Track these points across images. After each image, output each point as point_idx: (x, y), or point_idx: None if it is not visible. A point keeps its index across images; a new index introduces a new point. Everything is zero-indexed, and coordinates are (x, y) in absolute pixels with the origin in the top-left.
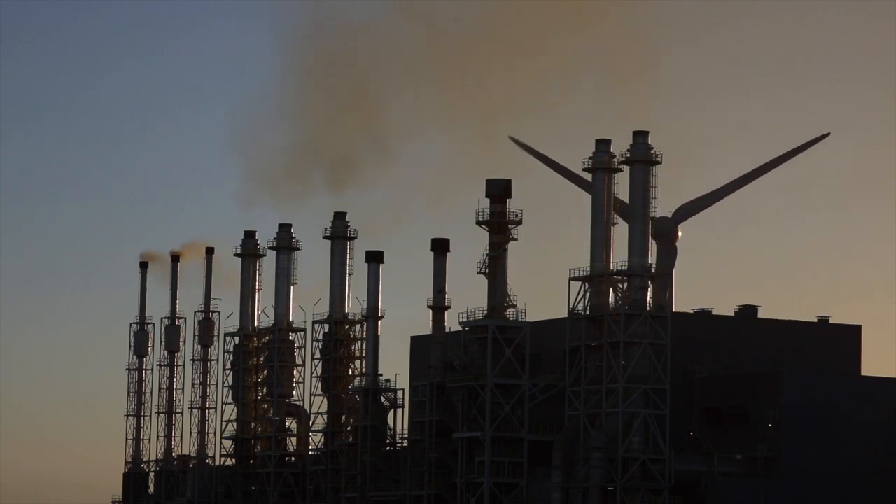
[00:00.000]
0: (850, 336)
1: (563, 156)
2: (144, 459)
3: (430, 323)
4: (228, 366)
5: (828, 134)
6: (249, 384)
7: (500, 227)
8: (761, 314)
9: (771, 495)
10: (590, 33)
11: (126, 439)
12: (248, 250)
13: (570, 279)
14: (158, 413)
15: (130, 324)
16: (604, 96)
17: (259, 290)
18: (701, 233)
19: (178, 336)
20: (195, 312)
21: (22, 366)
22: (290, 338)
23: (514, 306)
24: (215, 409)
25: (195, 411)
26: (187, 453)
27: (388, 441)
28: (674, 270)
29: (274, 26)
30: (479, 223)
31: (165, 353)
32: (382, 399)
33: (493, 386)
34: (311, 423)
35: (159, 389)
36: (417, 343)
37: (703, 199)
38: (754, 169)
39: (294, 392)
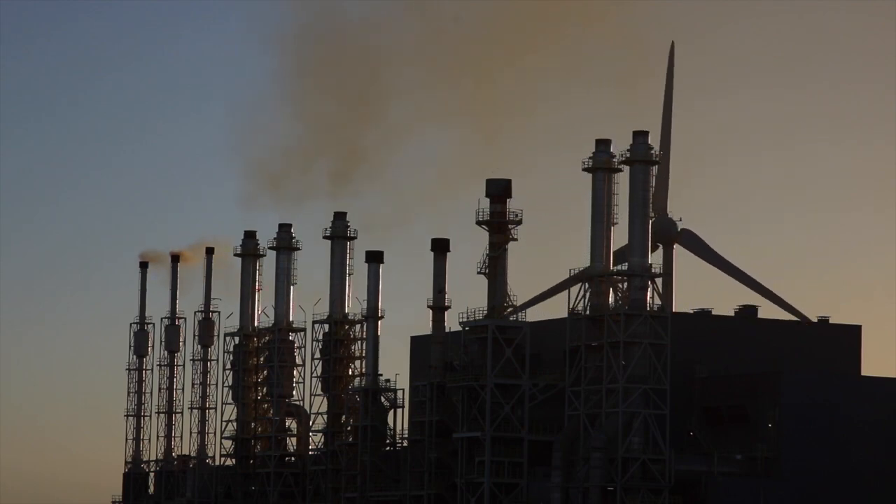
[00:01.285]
0: (850, 336)
1: (564, 156)
2: (144, 459)
3: (430, 323)
4: (228, 366)
5: None
6: (249, 384)
7: (500, 227)
8: (761, 314)
9: (771, 495)
10: (590, 33)
11: (126, 439)
12: (248, 250)
13: (571, 279)
14: (158, 413)
15: (130, 324)
16: (604, 96)
17: (259, 290)
18: (701, 233)
19: (178, 336)
20: (195, 312)
21: (22, 366)
22: (290, 338)
23: (514, 306)
24: (215, 409)
25: (195, 411)
26: (187, 453)
27: (388, 441)
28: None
29: (274, 26)
30: (479, 223)
31: (165, 353)
32: (382, 399)
33: (493, 386)
34: (311, 423)
35: (159, 389)
36: (417, 343)
37: (707, 251)
38: (755, 282)
39: (294, 392)
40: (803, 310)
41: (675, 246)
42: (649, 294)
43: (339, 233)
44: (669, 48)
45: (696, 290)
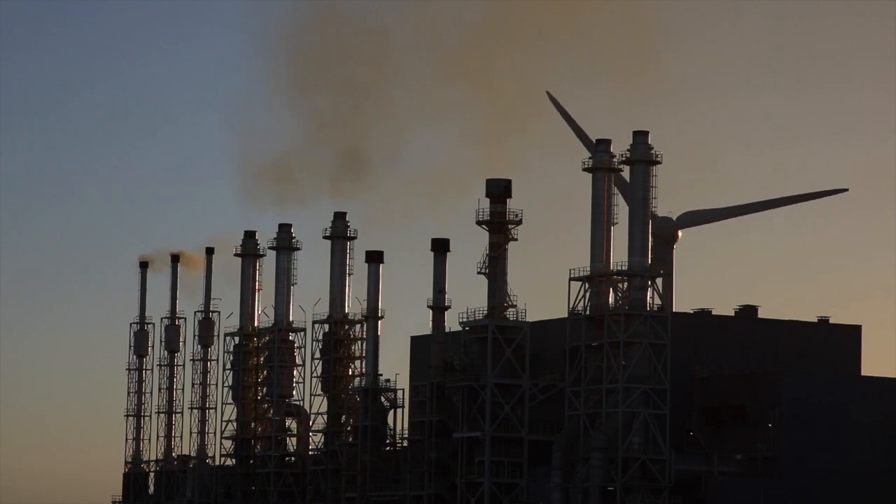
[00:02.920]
0: (850, 336)
1: (564, 156)
2: (144, 459)
3: (430, 323)
4: (228, 366)
5: (846, 189)
6: (249, 384)
7: (500, 227)
8: (761, 314)
9: (771, 495)
10: (590, 33)
11: (126, 439)
12: (248, 250)
13: (570, 279)
14: (158, 413)
15: (130, 324)
16: (604, 96)
17: (259, 290)
18: (701, 233)
19: (178, 336)
20: (195, 312)
21: (22, 366)
22: (290, 338)
23: (514, 306)
24: (215, 409)
25: (195, 411)
26: (187, 453)
27: (388, 441)
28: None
29: (274, 27)
30: (479, 223)
31: (165, 353)
32: (382, 399)
33: (493, 386)
34: (311, 423)
35: (159, 389)
36: (417, 343)
37: (708, 213)
38: (765, 201)
39: (294, 392)
40: (803, 310)
41: (675, 246)
42: (649, 294)
43: (339, 233)
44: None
45: (696, 290)
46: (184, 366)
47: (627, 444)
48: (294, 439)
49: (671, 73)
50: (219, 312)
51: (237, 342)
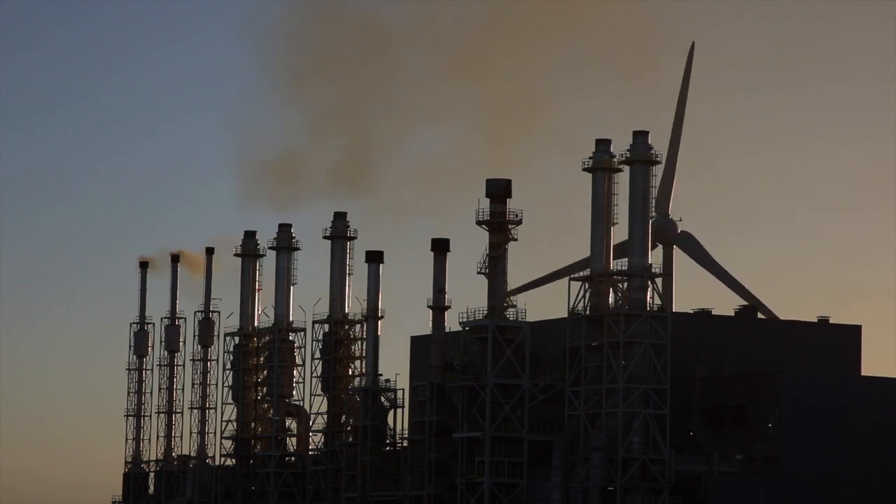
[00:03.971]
0: (850, 336)
1: (564, 156)
2: (144, 459)
3: (430, 323)
4: (228, 366)
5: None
6: (249, 384)
7: (500, 227)
8: (761, 314)
9: (771, 495)
10: (591, 33)
11: (126, 439)
12: (248, 250)
13: (570, 279)
14: (158, 413)
15: (130, 324)
16: (605, 96)
17: (259, 290)
18: (701, 233)
19: (178, 336)
20: (195, 312)
21: (22, 366)
22: (290, 338)
23: (514, 306)
24: (215, 409)
25: (195, 411)
26: (187, 453)
27: (388, 441)
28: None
29: (274, 26)
30: (479, 223)
31: (165, 353)
32: (382, 399)
33: (493, 386)
34: (311, 423)
35: (159, 389)
36: (417, 343)
37: (700, 253)
38: (752, 296)
39: (294, 392)
40: (803, 310)
41: (674, 246)
42: (649, 294)
43: (339, 233)
44: (689, 49)
45: (696, 290)
46: (184, 366)
47: (627, 444)
48: (294, 439)
49: (671, 73)
50: (219, 312)
51: (237, 342)
